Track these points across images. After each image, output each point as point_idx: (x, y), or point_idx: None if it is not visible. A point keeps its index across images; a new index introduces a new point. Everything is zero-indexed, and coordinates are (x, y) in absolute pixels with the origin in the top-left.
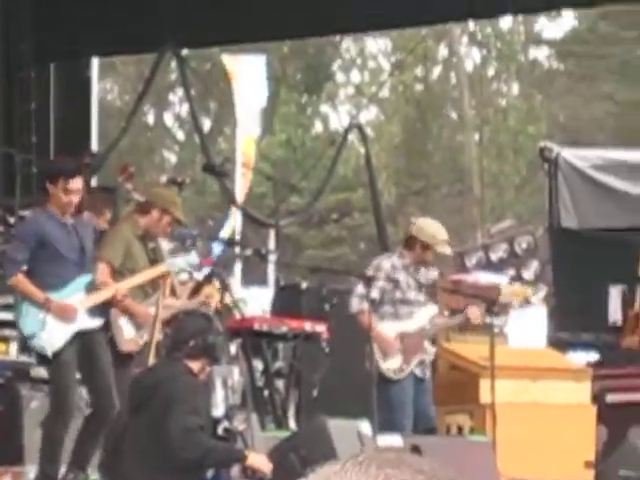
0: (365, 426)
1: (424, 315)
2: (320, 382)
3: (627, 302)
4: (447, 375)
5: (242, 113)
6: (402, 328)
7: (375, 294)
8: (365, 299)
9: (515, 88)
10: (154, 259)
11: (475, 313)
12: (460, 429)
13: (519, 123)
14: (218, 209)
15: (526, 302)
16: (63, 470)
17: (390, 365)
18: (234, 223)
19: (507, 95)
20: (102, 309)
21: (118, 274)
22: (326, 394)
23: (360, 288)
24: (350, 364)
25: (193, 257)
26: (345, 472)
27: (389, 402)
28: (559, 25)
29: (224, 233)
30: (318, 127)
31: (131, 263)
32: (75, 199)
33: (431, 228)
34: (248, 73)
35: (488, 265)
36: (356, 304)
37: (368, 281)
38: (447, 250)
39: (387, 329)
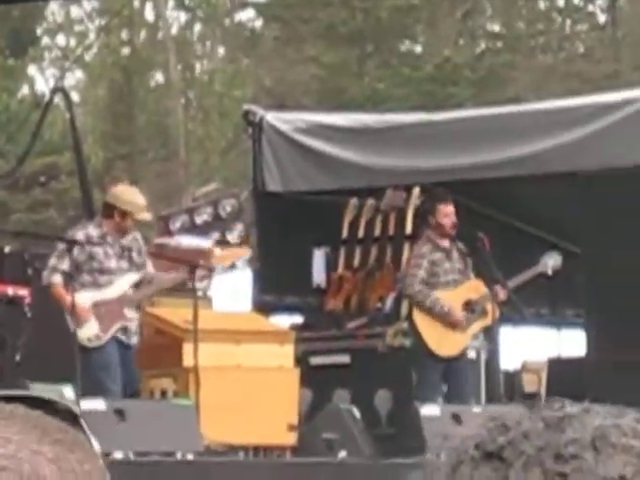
0: (68, 390)
1: (125, 283)
2: (23, 347)
3: (331, 265)
4: (151, 339)
5: None
6: (101, 297)
7: (65, 266)
8: (56, 271)
9: (221, 51)
10: None
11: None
12: (164, 393)
13: (225, 86)
14: None
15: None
16: None
17: (85, 333)
18: None
19: (213, 58)
20: None
21: None
22: (29, 359)
23: (52, 260)
24: (53, 328)
25: None
26: None
27: (91, 368)
28: None
29: None
30: (25, 91)
31: None
32: None
33: (128, 195)
34: None
35: (193, 228)
36: (47, 276)
37: (71, 245)
38: (147, 216)
39: (83, 298)
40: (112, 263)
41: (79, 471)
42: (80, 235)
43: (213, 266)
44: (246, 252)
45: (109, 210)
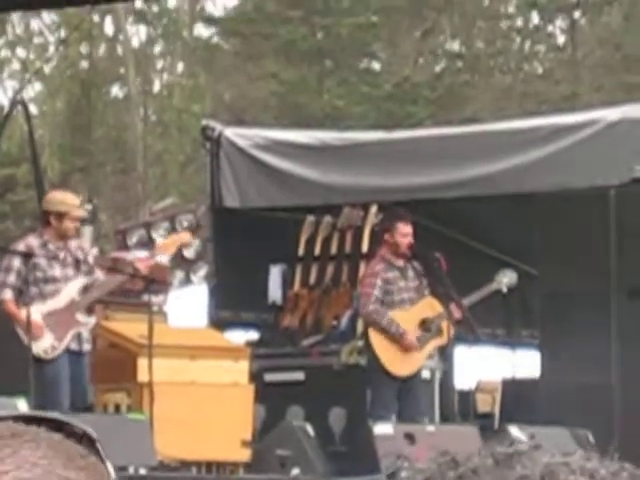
0: (22, 404)
1: (72, 289)
2: None
3: (287, 282)
4: (105, 353)
5: None
6: (50, 307)
7: (13, 279)
8: (4, 287)
9: (180, 66)
10: None
11: (142, 264)
12: (117, 407)
13: (184, 101)
14: None
15: (185, 247)
16: None
17: (40, 346)
18: None
19: (172, 73)
20: None
21: None
22: None
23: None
24: (6, 341)
25: None
26: None
27: (43, 382)
28: (224, 3)
29: None
30: None
31: None
32: None
33: (59, 196)
34: None
35: (149, 243)
36: None
37: (26, 257)
38: (82, 212)
39: (34, 311)
40: (56, 271)
41: None
42: (21, 246)
43: (169, 281)
44: (188, 237)
45: (45, 217)
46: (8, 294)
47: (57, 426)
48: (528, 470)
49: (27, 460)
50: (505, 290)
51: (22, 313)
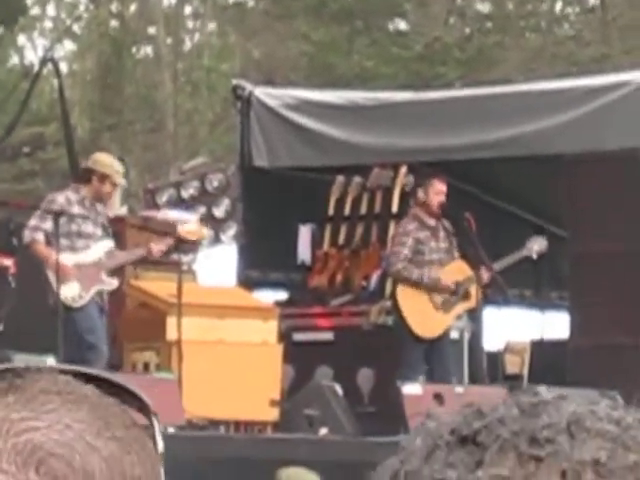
0: (51, 361)
1: (100, 248)
2: (6, 317)
3: (316, 241)
4: (135, 312)
5: None
6: (78, 260)
7: (48, 226)
8: (38, 230)
9: (211, 25)
10: None
11: (155, 248)
12: (146, 366)
13: (213, 60)
14: None
15: (201, 242)
16: None
17: (68, 292)
18: None
19: (202, 32)
20: None
21: None
22: (12, 329)
23: (33, 221)
24: (36, 299)
25: None
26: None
27: (77, 329)
28: None
29: None
30: (14, 61)
31: None
32: None
33: (107, 160)
34: None
35: (179, 202)
36: (28, 235)
37: (56, 215)
38: (123, 181)
39: (64, 258)
40: (89, 228)
41: (129, 475)
42: (60, 198)
43: (199, 240)
44: (207, 234)
45: (88, 175)
46: (40, 236)
47: (116, 391)
48: (554, 418)
49: (62, 421)
50: (535, 257)
51: (53, 256)
